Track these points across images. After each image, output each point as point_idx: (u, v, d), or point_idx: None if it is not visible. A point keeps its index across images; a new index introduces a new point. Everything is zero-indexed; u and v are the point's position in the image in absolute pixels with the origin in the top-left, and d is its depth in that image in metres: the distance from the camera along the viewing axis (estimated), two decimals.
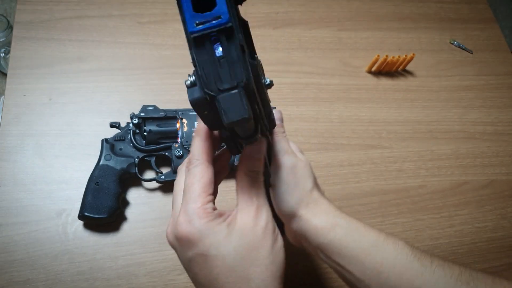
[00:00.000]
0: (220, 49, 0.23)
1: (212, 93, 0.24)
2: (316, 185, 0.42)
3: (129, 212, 0.60)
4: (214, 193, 0.35)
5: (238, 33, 0.23)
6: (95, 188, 0.57)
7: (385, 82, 0.80)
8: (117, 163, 0.59)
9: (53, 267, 0.55)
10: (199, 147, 0.35)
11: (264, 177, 0.38)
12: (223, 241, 0.32)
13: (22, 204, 0.58)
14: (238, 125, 0.24)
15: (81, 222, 0.58)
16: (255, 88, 0.25)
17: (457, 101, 0.81)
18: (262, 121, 0.33)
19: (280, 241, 0.34)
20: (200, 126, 0.36)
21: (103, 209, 0.56)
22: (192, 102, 0.25)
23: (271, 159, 0.41)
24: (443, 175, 0.73)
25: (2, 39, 1.24)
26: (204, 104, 0.25)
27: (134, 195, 0.61)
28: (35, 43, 0.70)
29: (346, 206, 0.67)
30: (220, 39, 0.23)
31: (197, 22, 0.23)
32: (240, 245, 0.32)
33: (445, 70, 0.84)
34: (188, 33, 0.24)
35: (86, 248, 0.57)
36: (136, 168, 0.60)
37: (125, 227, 0.59)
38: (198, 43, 0.24)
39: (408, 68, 0.82)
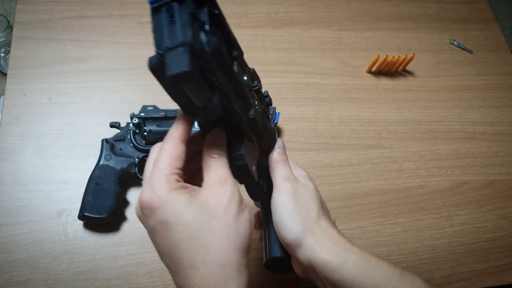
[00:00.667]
0: (170, 14, 0.26)
1: (161, 52, 0.26)
2: (323, 213, 0.41)
3: (129, 212, 0.60)
4: (186, 171, 0.35)
5: (190, 2, 0.25)
6: (95, 188, 0.57)
7: (385, 82, 0.80)
8: (117, 163, 0.59)
9: (53, 267, 0.55)
10: (174, 128, 0.35)
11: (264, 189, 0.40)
12: (183, 209, 0.32)
13: (22, 204, 0.58)
14: (181, 81, 0.25)
15: (81, 222, 0.58)
16: (214, 61, 0.27)
17: (457, 101, 0.81)
18: (240, 115, 0.33)
19: (246, 215, 0.34)
20: (180, 112, 0.36)
21: (103, 209, 0.56)
22: (150, 68, 0.27)
23: (268, 179, 0.42)
24: (443, 175, 0.73)
25: (2, 39, 1.24)
26: (160, 69, 0.26)
27: (134, 195, 0.61)
28: (35, 43, 0.70)
29: (346, 206, 0.67)
30: (173, 7, 0.26)
31: None
32: (201, 213, 0.32)
33: (445, 70, 0.84)
34: (149, 3, 0.27)
35: (86, 248, 0.57)
36: (136, 168, 0.60)
37: (125, 227, 0.59)
38: (155, 11, 0.27)
39: (408, 68, 0.82)
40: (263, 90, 0.41)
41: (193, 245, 0.31)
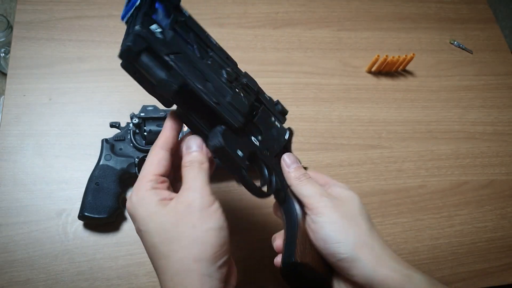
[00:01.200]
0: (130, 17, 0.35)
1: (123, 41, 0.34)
2: (373, 224, 0.39)
3: None
4: (169, 176, 0.37)
5: (144, 9, 0.34)
6: (95, 188, 0.57)
7: (385, 82, 0.80)
8: (117, 163, 0.59)
9: (53, 267, 0.55)
10: (159, 136, 0.38)
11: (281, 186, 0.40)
12: (150, 217, 0.34)
13: (22, 204, 0.58)
14: (125, 55, 0.33)
15: (81, 222, 0.58)
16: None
17: (457, 101, 0.81)
18: (208, 97, 0.35)
19: (212, 222, 0.33)
20: (165, 121, 0.38)
21: (103, 209, 0.56)
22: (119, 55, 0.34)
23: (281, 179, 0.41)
24: (443, 175, 0.73)
25: (2, 39, 1.24)
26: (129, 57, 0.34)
27: None
28: (35, 43, 0.70)
29: None
30: (135, 15, 0.34)
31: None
32: (164, 221, 0.33)
33: (445, 70, 0.84)
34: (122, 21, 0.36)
35: (86, 248, 0.57)
36: (136, 168, 0.60)
37: (125, 227, 0.59)
38: (127, 23, 0.36)
39: (408, 68, 0.83)
40: (275, 99, 0.44)
41: (156, 254, 0.33)
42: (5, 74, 1.32)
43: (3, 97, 0.79)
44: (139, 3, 0.34)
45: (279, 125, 0.43)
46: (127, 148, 0.61)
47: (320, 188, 0.40)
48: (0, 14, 1.27)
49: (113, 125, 0.62)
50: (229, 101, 0.36)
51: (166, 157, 0.37)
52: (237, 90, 0.38)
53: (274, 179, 0.41)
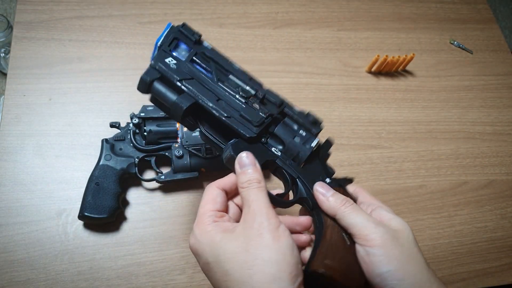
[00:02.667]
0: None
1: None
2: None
3: (129, 212, 0.60)
4: (226, 210, 0.38)
5: (165, 45, 0.42)
6: (95, 188, 0.57)
7: (385, 82, 0.80)
8: (117, 163, 0.59)
9: (53, 267, 0.55)
10: (221, 179, 0.39)
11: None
12: (218, 245, 0.34)
13: (22, 204, 0.58)
14: (141, 87, 0.40)
15: (81, 222, 0.58)
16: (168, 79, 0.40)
17: (457, 101, 0.81)
18: (219, 113, 0.39)
19: (284, 242, 0.32)
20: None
21: (103, 209, 0.56)
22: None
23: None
24: (443, 175, 0.73)
25: (2, 39, 1.24)
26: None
27: (134, 195, 0.61)
28: (35, 43, 0.70)
29: None
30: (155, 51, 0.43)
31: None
32: (234, 247, 0.33)
33: (445, 70, 0.84)
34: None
35: (86, 248, 0.57)
36: (136, 168, 0.60)
37: (125, 227, 0.59)
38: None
39: (408, 68, 0.83)
40: (306, 111, 0.46)
41: (230, 281, 0.32)
42: (5, 74, 1.32)
43: (3, 97, 0.79)
44: (161, 43, 0.42)
45: (304, 134, 0.43)
46: (127, 148, 0.61)
47: (369, 216, 0.37)
48: (0, 14, 1.27)
49: (113, 125, 0.62)
50: (240, 114, 0.40)
51: (221, 195, 0.38)
52: (254, 104, 0.41)
53: (299, 187, 0.41)
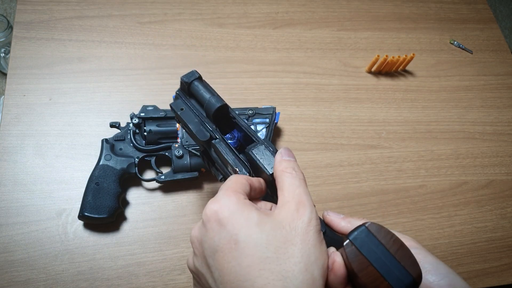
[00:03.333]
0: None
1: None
2: None
3: (129, 212, 0.60)
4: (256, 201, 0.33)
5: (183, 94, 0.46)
6: (95, 188, 0.57)
7: (385, 82, 0.80)
8: (117, 163, 0.59)
9: (53, 267, 0.55)
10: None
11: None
12: (255, 227, 0.28)
13: (22, 204, 0.58)
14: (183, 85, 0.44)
15: (81, 222, 0.58)
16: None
17: (457, 101, 0.81)
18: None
19: (325, 244, 0.30)
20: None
21: (103, 209, 0.56)
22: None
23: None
24: (443, 175, 0.73)
25: (2, 39, 1.24)
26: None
27: (134, 195, 0.61)
28: (35, 43, 0.70)
29: (346, 206, 0.67)
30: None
31: None
32: (275, 236, 0.28)
33: (445, 70, 0.84)
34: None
35: (86, 248, 0.57)
36: (136, 168, 0.60)
37: (125, 227, 0.59)
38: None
39: (408, 68, 0.83)
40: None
41: (267, 271, 0.26)
42: (5, 74, 1.32)
43: (3, 97, 0.79)
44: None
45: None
46: (127, 148, 0.61)
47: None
48: (0, 14, 1.27)
49: (113, 125, 0.62)
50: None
51: (248, 186, 0.33)
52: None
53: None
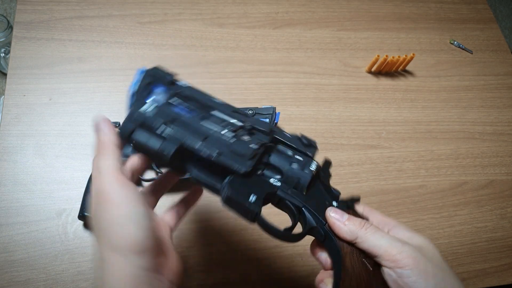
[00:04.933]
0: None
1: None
2: None
3: None
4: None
5: (140, 92, 0.40)
6: None
7: (385, 82, 0.80)
8: None
9: (53, 267, 0.55)
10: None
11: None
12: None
13: (22, 204, 0.58)
14: (121, 138, 0.37)
15: (81, 222, 0.58)
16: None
17: (457, 101, 0.81)
18: (205, 153, 0.36)
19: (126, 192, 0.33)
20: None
21: None
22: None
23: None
24: (443, 175, 0.73)
25: (2, 39, 1.24)
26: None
27: None
28: (35, 43, 0.70)
29: None
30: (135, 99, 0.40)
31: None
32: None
33: (445, 70, 0.84)
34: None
35: (86, 248, 0.57)
36: None
37: None
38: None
39: (408, 68, 0.83)
40: (298, 133, 0.44)
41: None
42: (5, 74, 1.32)
43: (3, 97, 0.79)
44: (135, 90, 0.39)
45: (301, 158, 0.40)
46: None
47: (392, 235, 0.35)
48: (0, 14, 1.27)
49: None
50: (231, 149, 0.37)
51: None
52: (243, 137, 0.38)
53: (307, 216, 0.38)
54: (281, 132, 0.42)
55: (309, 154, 0.41)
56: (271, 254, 0.61)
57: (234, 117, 0.40)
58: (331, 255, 0.37)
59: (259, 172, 0.38)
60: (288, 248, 0.61)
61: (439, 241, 0.67)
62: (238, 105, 0.69)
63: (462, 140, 0.77)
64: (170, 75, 0.41)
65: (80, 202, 0.56)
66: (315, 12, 0.85)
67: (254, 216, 0.35)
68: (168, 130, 0.36)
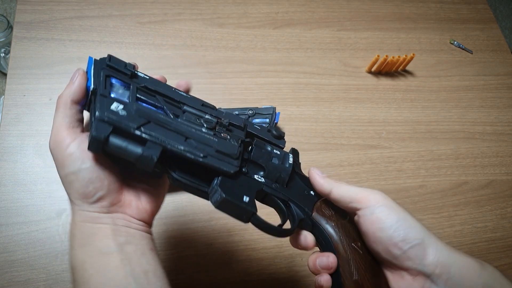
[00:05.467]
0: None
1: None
2: None
3: None
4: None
5: (100, 89, 0.35)
6: None
7: (385, 82, 0.80)
8: None
9: (53, 267, 0.55)
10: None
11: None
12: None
13: (22, 204, 0.58)
14: (94, 147, 0.33)
15: None
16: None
17: (457, 101, 0.81)
18: (193, 154, 0.35)
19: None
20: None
21: None
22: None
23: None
24: (443, 175, 0.73)
25: (2, 39, 1.24)
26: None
27: None
28: (35, 43, 0.70)
29: None
30: (95, 99, 0.35)
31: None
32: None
33: (445, 70, 0.84)
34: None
35: None
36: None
37: None
38: (90, 111, 0.38)
39: (408, 68, 0.83)
40: (265, 125, 0.43)
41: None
42: (5, 74, 1.32)
43: (3, 97, 0.79)
44: (94, 88, 0.35)
45: (279, 152, 0.40)
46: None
47: (352, 186, 0.39)
48: (0, 14, 1.27)
49: None
50: (216, 149, 0.35)
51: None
52: (222, 134, 0.37)
53: (293, 209, 0.38)
54: (251, 125, 0.41)
55: (281, 146, 0.41)
56: (271, 254, 0.61)
57: (206, 112, 0.38)
58: (321, 244, 0.39)
59: (243, 170, 0.37)
60: (288, 248, 0.61)
61: None
62: (238, 105, 0.70)
63: (462, 140, 0.77)
64: (129, 65, 0.38)
65: None
66: (315, 12, 0.85)
67: (250, 216, 0.35)
68: (146, 132, 0.33)
